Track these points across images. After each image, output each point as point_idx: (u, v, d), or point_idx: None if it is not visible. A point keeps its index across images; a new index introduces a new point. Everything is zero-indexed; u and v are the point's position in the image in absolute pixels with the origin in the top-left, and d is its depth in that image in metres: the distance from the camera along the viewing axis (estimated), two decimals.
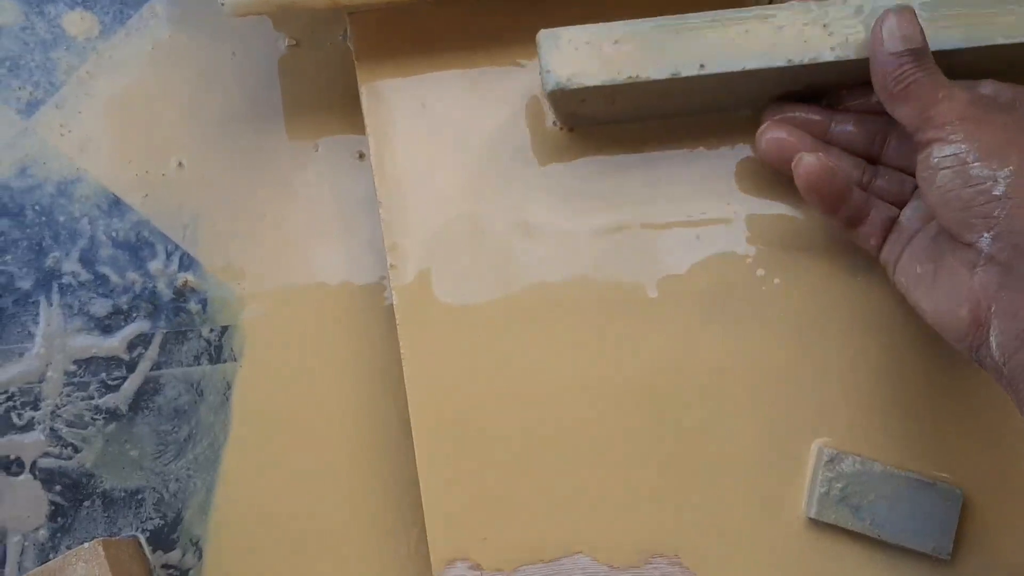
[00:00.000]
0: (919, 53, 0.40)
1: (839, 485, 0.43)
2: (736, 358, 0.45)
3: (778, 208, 0.47)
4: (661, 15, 0.44)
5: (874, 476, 0.43)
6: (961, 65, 0.42)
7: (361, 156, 0.51)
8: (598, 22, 0.44)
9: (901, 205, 0.43)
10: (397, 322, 0.45)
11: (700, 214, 0.47)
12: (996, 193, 0.36)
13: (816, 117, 0.44)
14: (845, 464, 0.43)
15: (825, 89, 0.45)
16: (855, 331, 0.45)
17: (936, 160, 0.38)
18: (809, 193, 0.42)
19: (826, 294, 0.46)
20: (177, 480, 0.48)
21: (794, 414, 0.45)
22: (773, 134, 0.43)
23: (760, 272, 0.46)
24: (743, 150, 0.47)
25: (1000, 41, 0.42)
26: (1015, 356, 0.35)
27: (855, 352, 0.45)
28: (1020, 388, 0.36)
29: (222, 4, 0.45)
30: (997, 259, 0.36)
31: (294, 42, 0.52)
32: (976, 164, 0.37)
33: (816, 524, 0.43)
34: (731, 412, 0.45)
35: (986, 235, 0.37)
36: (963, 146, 0.37)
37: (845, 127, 0.44)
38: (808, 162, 0.42)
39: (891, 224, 0.43)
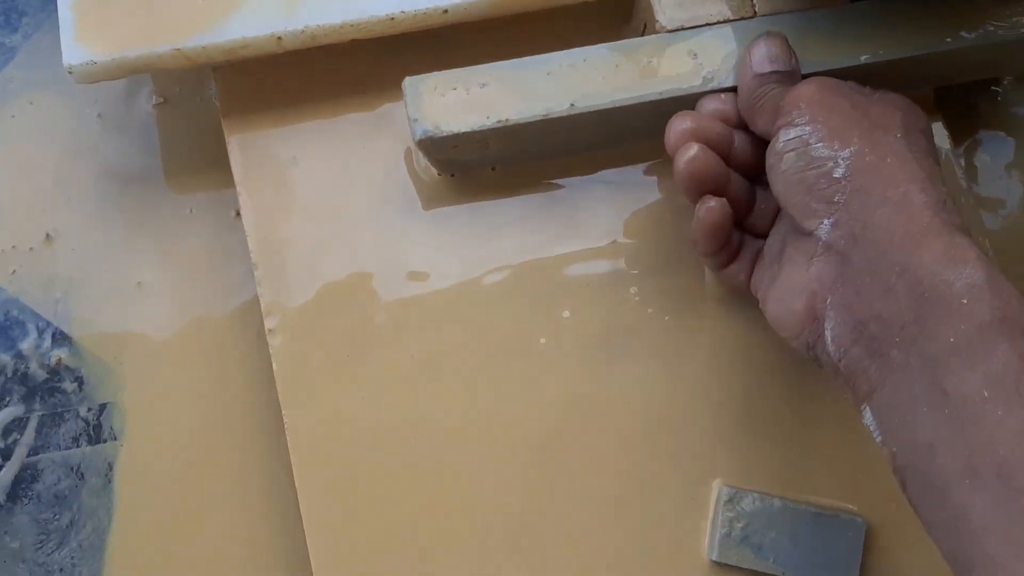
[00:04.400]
0: (786, 75, 0.40)
1: (740, 524, 0.42)
2: (631, 399, 0.44)
3: (664, 244, 0.46)
4: (528, 55, 0.43)
5: (774, 512, 0.42)
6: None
7: (238, 214, 0.49)
8: (464, 64, 0.43)
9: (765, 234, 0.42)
10: (278, 389, 0.44)
11: (585, 253, 0.46)
12: (836, 175, 0.35)
13: (724, 134, 0.41)
14: (745, 502, 0.42)
15: None
16: (749, 366, 0.45)
17: (782, 144, 0.37)
18: (707, 239, 0.41)
19: (717, 330, 0.45)
20: (61, 570, 0.46)
21: (693, 453, 0.44)
22: (692, 154, 0.39)
23: (649, 310, 0.45)
24: (627, 186, 0.47)
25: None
26: (850, 351, 0.34)
27: (750, 387, 0.44)
28: (857, 384, 0.34)
29: (70, 72, 0.43)
30: (835, 248, 0.35)
31: (162, 100, 0.51)
32: (819, 144, 0.36)
33: (720, 566, 0.42)
34: (628, 454, 0.44)
35: (826, 222, 0.36)
36: (807, 128, 0.36)
37: (744, 146, 0.42)
38: (714, 207, 0.40)
39: (757, 256, 0.42)
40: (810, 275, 0.36)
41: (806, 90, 0.38)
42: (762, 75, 0.40)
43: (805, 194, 0.36)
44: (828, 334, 0.35)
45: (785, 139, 0.37)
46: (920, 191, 0.34)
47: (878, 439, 0.34)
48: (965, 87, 0.52)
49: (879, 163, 0.35)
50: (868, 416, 0.34)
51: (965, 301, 0.32)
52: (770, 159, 0.38)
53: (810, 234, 0.36)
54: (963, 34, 0.43)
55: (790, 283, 0.37)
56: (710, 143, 0.40)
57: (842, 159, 0.35)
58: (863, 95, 0.38)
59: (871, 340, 0.34)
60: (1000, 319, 0.31)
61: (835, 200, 0.35)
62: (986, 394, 0.30)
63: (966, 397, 0.31)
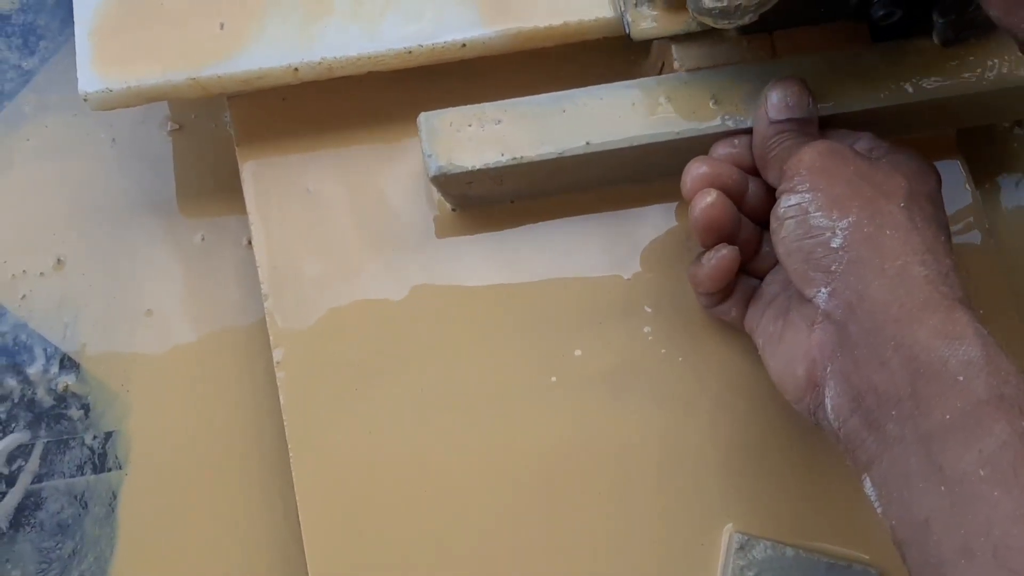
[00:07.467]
0: (802, 122, 0.39)
1: (751, 573, 0.41)
2: (641, 440, 0.44)
3: (679, 284, 0.45)
4: (545, 88, 0.43)
5: (787, 561, 0.41)
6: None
7: (250, 243, 0.49)
8: (481, 96, 0.43)
9: (763, 276, 0.42)
10: (284, 422, 0.43)
11: (599, 290, 0.45)
12: (834, 245, 0.35)
13: (740, 180, 0.41)
14: (756, 550, 0.41)
15: None
16: (763, 409, 0.44)
17: (782, 210, 0.37)
18: (713, 283, 0.41)
19: (730, 370, 0.44)
20: None
21: (704, 498, 0.43)
22: (710, 200, 0.39)
23: (663, 350, 0.44)
24: (642, 224, 0.46)
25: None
26: (849, 421, 0.34)
27: (764, 431, 0.44)
28: (856, 454, 0.34)
29: (85, 100, 0.43)
30: (833, 317, 0.35)
31: (177, 126, 0.51)
32: (817, 214, 0.36)
33: None
34: (637, 497, 0.43)
35: (823, 290, 0.35)
36: (807, 196, 0.36)
37: (757, 192, 0.42)
38: (727, 255, 0.40)
39: (752, 294, 0.42)
40: (811, 342, 0.36)
41: (808, 156, 0.37)
42: (777, 123, 0.39)
43: (803, 262, 0.36)
44: (828, 402, 0.35)
45: (786, 205, 0.37)
46: (919, 264, 0.34)
47: (879, 510, 0.33)
48: (987, 127, 0.51)
49: (878, 234, 0.35)
50: (868, 486, 0.34)
51: (961, 378, 0.31)
52: (773, 223, 0.38)
53: (810, 301, 0.36)
54: (984, 76, 0.43)
55: (793, 347, 0.37)
56: (726, 189, 0.40)
57: (840, 229, 0.35)
58: (867, 160, 0.38)
59: (868, 412, 0.33)
60: (997, 397, 0.31)
61: (832, 269, 0.35)
62: (982, 473, 0.30)
63: (962, 476, 0.30)
